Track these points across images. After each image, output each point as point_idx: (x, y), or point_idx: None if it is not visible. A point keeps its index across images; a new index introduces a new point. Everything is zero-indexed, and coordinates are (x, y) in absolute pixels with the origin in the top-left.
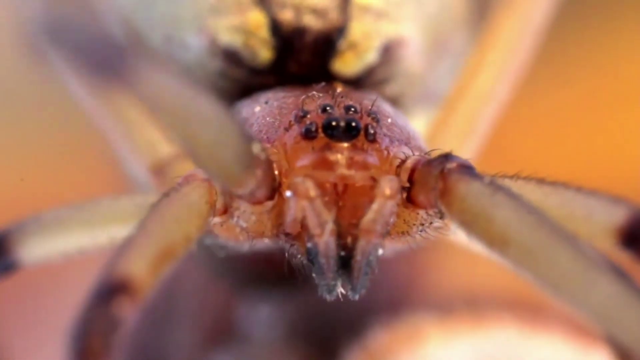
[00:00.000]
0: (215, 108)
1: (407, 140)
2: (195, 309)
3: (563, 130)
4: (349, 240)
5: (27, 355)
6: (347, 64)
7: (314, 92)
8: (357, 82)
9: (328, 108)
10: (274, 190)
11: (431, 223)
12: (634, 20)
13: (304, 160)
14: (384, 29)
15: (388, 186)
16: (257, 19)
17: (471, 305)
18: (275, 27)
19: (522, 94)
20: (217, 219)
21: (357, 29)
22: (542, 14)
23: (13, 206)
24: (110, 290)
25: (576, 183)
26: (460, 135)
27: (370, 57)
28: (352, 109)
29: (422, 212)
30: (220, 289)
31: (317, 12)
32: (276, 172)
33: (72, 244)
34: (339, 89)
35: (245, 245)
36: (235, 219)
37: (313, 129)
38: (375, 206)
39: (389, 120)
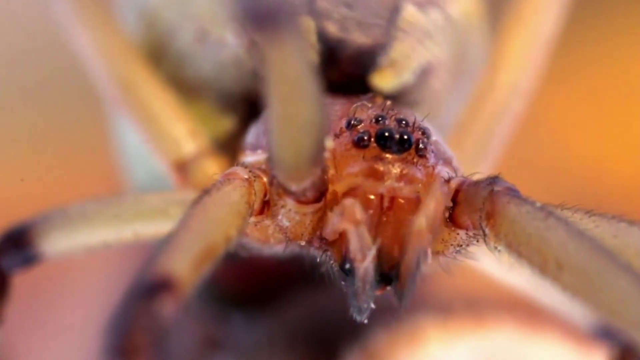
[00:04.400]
0: (317, 93)
1: (449, 159)
2: (196, 309)
3: (565, 131)
4: (389, 261)
5: (32, 354)
6: (385, 80)
7: (364, 102)
8: (392, 100)
9: (380, 119)
10: (322, 194)
11: (468, 245)
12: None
13: (354, 168)
14: (421, 53)
15: (439, 192)
16: (306, 23)
17: (471, 306)
18: (322, 35)
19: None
20: (252, 219)
21: (399, 48)
22: (551, 28)
23: (13, 206)
24: (153, 287)
25: (630, 216)
26: (475, 157)
27: (407, 76)
28: (404, 122)
29: (462, 233)
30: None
31: (362, 26)
32: (325, 177)
33: (96, 239)
34: (387, 102)
35: (270, 248)
36: (279, 217)
37: (366, 137)
38: (426, 210)
39: (434, 137)
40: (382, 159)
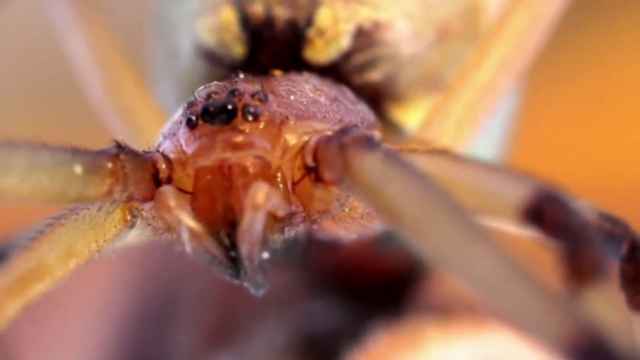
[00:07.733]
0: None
1: (311, 116)
2: (196, 310)
3: (565, 131)
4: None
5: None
6: (318, 52)
7: (214, 82)
8: (334, 70)
9: (213, 95)
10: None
11: (348, 197)
12: (637, 23)
13: (189, 150)
14: (356, 14)
15: (259, 194)
16: (227, 15)
17: (471, 308)
18: (245, 22)
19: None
20: (150, 226)
21: (326, 16)
22: (554, 10)
23: (13, 206)
24: None
25: (487, 160)
26: (459, 123)
27: (343, 43)
28: (236, 92)
29: (334, 189)
30: (221, 291)
31: (285, 2)
32: (163, 167)
33: None
34: (235, 76)
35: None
36: (141, 220)
37: (193, 117)
38: (246, 217)
39: (293, 97)
40: (208, 134)
